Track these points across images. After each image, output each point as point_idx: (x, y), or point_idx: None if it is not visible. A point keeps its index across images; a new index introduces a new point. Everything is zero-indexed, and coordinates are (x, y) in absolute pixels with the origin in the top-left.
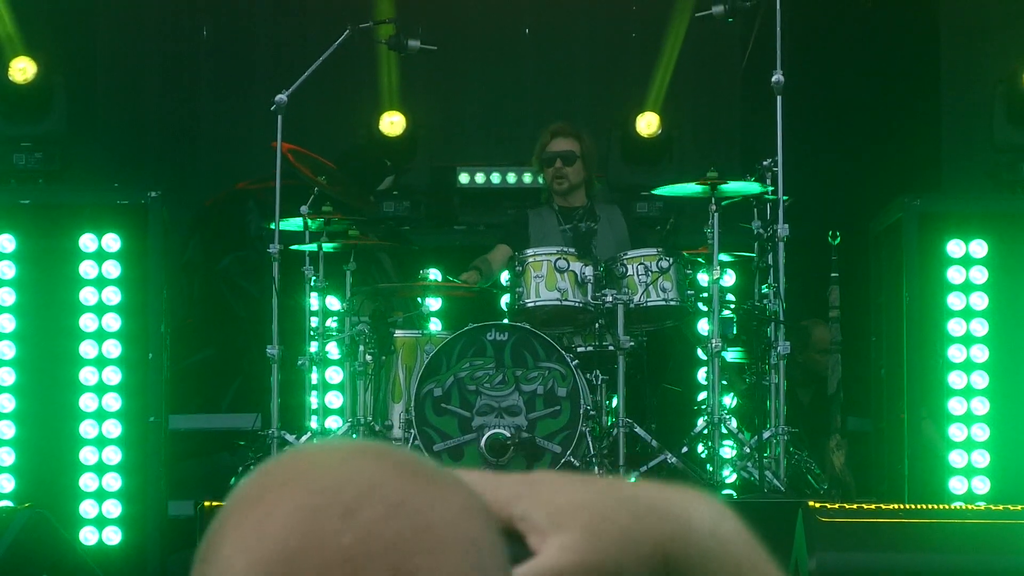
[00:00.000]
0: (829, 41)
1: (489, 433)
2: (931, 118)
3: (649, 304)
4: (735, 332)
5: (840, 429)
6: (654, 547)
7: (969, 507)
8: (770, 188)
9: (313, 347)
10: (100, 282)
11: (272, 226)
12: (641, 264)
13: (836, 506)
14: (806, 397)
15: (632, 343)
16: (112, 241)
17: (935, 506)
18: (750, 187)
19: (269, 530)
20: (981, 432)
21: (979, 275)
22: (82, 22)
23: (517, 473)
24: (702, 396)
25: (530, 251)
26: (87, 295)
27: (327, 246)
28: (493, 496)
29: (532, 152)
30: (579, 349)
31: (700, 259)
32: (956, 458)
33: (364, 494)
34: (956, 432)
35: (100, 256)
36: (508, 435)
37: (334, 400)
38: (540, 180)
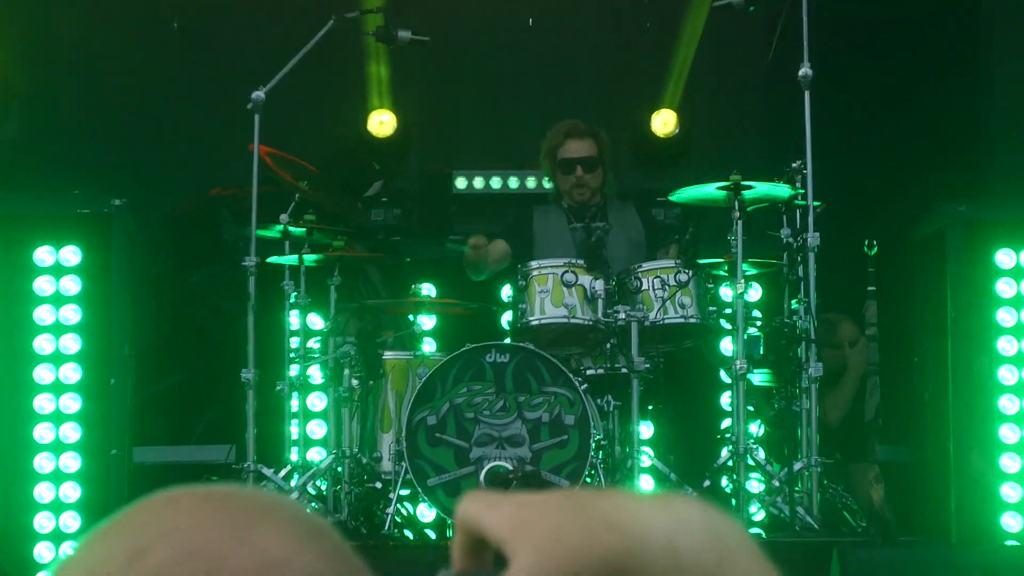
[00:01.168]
0: (863, 30)
1: (489, 466)
2: (978, 115)
3: (666, 321)
4: (762, 352)
5: (879, 460)
6: (604, 564)
7: None
8: (800, 192)
9: (293, 371)
10: (57, 299)
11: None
12: (657, 277)
13: (875, 545)
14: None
15: (648, 365)
16: (71, 254)
17: (986, 545)
18: (778, 190)
19: (70, 569)
20: None
21: None
22: (40, 14)
23: (515, 494)
24: (726, 423)
25: (535, 263)
26: (43, 314)
27: (309, 258)
28: (490, 520)
29: (535, 154)
30: (589, 372)
31: (723, 271)
32: (1008, 492)
33: (159, 538)
34: (1008, 463)
35: (58, 271)
36: (510, 468)
37: (316, 429)
38: (546, 183)
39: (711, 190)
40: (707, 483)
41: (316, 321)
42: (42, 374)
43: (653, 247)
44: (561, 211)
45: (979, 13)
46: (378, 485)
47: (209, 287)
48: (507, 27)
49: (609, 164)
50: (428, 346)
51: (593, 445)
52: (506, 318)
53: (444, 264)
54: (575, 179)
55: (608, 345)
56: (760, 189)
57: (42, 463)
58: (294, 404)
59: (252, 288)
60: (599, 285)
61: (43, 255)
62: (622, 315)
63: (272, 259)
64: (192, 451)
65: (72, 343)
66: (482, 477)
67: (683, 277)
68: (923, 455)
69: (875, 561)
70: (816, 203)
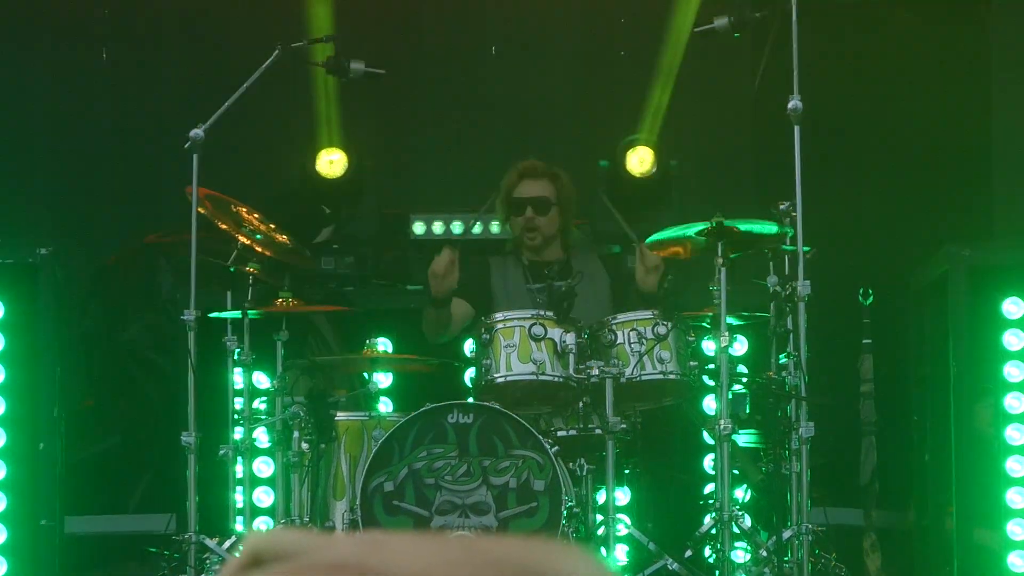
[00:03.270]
0: (857, 59)
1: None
2: (981, 153)
3: (644, 378)
4: (748, 411)
5: (875, 527)
6: None
7: None
8: (789, 233)
9: (238, 434)
10: None
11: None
12: (633, 330)
13: None
14: None
15: (624, 425)
16: None
17: None
18: (764, 227)
19: None
20: None
21: None
22: None
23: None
24: (709, 488)
25: (499, 315)
26: None
27: (253, 312)
28: (350, 558)
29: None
30: (560, 433)
31: (705, 323)
32: (1016, 561)
33: None
34: (1015, 529)
35: None
36: None
37: (263, 497)
38: (506, 228)
39: (692, 234)
40: (689, 553)
41: (262, 379)
42: None
43: (621, 302)
44: (520, 266)
45: (984, 47)
46: None
47: (145, 343)
48: (469, 57)
49: (570, 212)
50: (384, 406)
51: (565, 513)
52: (469, 375)
53: (401, 316)
54: (524, 221)
55: (580, 404)
56: (747, 228)
57: None
58: (239, 470)
59: (192, 344)
60: (570, 339)
61: None
62: (596, 371)
63: (214, 315)
64: (128, 521)
65: None
66: None
67: (662, 329)
68: (923, 521)
69: None
70: (806, 248)
